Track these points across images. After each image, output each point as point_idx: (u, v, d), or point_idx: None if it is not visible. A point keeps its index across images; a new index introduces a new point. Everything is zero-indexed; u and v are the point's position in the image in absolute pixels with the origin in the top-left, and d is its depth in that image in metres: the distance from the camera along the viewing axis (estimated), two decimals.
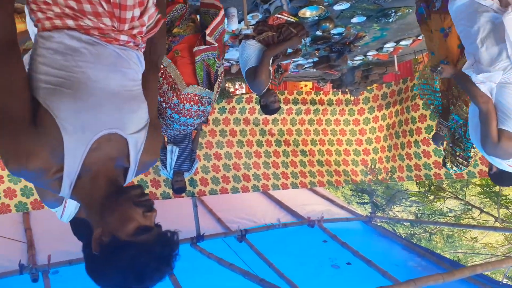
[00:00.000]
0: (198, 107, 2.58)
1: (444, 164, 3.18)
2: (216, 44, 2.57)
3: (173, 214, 5.38)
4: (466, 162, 2.99)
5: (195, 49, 2.50)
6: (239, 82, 7.13)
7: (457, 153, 2.97)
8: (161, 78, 2.44)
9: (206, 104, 2.62)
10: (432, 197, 8.09)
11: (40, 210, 4.49)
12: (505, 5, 2.13)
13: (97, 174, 1.14)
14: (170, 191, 4.99)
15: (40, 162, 1.03)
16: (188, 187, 5.00)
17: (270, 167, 5.61)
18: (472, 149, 2.92)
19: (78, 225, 1.97)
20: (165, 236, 1.07)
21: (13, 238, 4.70)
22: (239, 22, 3.48)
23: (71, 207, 1.91)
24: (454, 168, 3.05)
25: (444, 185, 8.14)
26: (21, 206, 4.37)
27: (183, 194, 4.76)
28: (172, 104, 2.47)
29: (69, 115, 1.07)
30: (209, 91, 2.59)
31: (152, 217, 1.09)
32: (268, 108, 3.53)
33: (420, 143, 5.39)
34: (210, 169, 5.29)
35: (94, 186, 1.12)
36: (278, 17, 3.38)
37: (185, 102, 2.51)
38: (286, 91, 5.86)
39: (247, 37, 3.47)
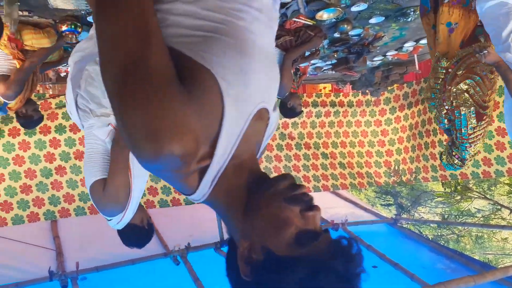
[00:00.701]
0: None
1: (441, 159, 3.11)
2: None
3: (196, 219, 5.43)
4: (461, 163, 2.89)
5: None
6: None
7: (454, 153, 2.89)
8: None
9: None
10: (459, 197, 7.90)
11: (67, 218, 4.61)
12: None
13: (243, 163, 0.81)
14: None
15: (193, 141, 0.65)
16: None
17: (291, 171, 5.59)
18: (466, 151, 2.82)
19: (130, 233, 1.96)
20: (342, 246, 0.72)
21: (42, 246, 4.84)
22: None
23: (130, 213, 1.89)
24: (449, 165, 2.96)
25: (471, 185, 7.93)
26: (49, 214, 4.50)
27: None
28: None
29: (234, 75, 0.74)
30: None
31: (316, 219, 0.76)
32: (294, 111, 3.57)
33: (445, 143, 5.27)
34: None
35: (237, 181, 0.79)
36: (295, 20, 3.38)
37: None
38: (305, 94, 5.84)
39: None
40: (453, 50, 2.70)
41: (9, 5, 2.54)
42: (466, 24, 2.58)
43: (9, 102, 3.11)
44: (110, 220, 1.88)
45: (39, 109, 3.52)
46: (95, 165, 1.77)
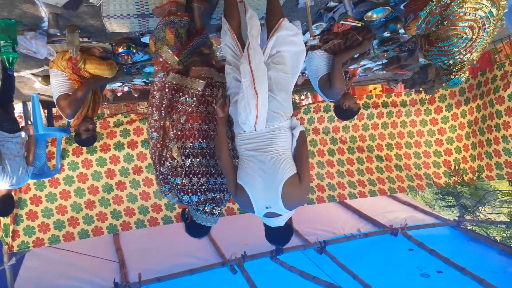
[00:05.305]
0: None
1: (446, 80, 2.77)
2: None
3: (250, 228, 5.44)
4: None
5: None
6: (305, 92, 7.11)
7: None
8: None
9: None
10: None
11: (129, 231, 4.79)
12: None
13: None
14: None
15: None
16: None
17: (344, 176, 5.48)
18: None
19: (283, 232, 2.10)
20: None
21: (106, 258, 5.07)
22: (304, 33, 3.46)
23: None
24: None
25: None
26: (112, 228, 4.69)
27: None
28: None
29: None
30: None
31: None
32: (352, 111, 3.49)
33: (509, 138, 4.94)
34: None
35: None
36: (343, 23, 3.31)
37: None
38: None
39: (312, 48, 3.45)
40: None
41: (71, 33, 2.71)
42: None
43: (70, 120, 3.27)
44: (278, 216, 1.99)
45: (93, 130, 3.42)
46: (290, 161, 1.98)
